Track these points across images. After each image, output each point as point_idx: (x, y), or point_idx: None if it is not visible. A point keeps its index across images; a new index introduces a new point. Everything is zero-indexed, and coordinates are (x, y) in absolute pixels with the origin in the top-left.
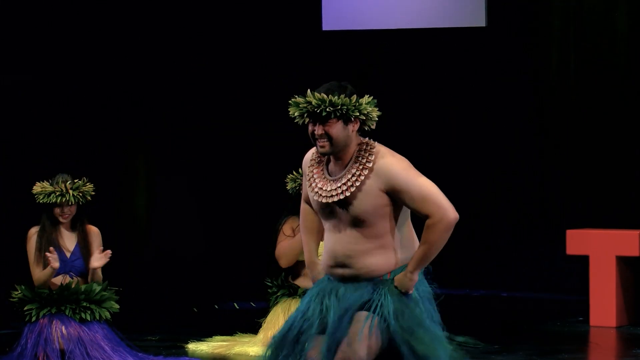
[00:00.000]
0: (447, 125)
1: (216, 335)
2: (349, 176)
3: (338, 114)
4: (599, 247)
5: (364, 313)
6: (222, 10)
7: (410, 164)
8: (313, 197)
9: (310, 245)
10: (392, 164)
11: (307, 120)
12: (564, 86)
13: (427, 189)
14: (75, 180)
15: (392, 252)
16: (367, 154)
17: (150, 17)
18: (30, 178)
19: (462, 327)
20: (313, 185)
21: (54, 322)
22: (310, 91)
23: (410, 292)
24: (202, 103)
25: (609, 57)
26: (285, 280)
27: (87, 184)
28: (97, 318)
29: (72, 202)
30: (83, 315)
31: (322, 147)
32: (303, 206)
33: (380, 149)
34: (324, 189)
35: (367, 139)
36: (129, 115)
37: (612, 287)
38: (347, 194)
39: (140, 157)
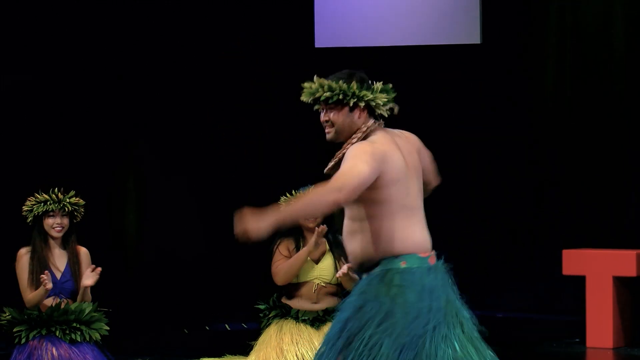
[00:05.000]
0: (442, 142)
1: (205, 356)
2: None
3: (334, 99)
4: (596, 268)
5: None
6: (216, 26)
7: (368, 152)
8: None
9: None
10: (352, 147)
11: (316, 107)
12: (560, 103)
13: (347, 166)
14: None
15: (370, 239)
16: (354, 139)
17: (144, 25)
18: (18, 196)
19: None
20: None
21: (44, 343)
22: (317, 76)
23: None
24: (198, 116)
25: (605, 74)
26: (278, 300)
27: (78, 199)
28: (87, 339)
29: (68, 209)
30: (73, 336)
31: (327, 133)
32: None
33: (370, 134)
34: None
35: (370, 123)
36: (121, 128)
37: (609, 308)
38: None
39: (131, 175)
